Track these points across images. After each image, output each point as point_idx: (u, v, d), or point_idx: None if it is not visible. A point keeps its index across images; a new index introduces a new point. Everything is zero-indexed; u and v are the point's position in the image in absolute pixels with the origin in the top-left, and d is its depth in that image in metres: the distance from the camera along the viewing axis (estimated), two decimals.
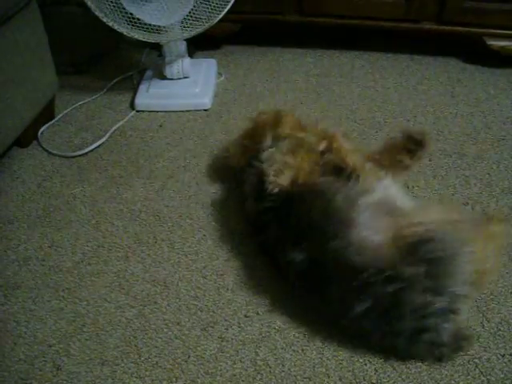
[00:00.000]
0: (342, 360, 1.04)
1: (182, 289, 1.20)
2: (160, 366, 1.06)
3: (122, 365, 1.06)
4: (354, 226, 1.03)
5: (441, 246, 0.97)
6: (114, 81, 1.93)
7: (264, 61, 2.03)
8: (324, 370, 1.03)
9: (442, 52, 2.00)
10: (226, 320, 1.13)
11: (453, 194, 1.39)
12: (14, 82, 1.46)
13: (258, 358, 1.06)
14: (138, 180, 1.51)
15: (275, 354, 1.06)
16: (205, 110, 1.78)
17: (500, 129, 1.62)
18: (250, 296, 1.18)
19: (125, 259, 1.28)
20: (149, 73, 1.89)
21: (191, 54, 1.87)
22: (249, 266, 1.24)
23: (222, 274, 1.23)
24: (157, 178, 1.51)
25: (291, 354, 1.06)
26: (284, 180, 1.16)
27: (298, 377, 1.02)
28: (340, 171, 1.16)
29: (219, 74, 1.95)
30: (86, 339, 1.11)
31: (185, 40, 1.74)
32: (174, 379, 1.03)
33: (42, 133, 1.69)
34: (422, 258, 0.97)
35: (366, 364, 1.04)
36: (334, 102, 1.78)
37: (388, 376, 1.01)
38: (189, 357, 1.07)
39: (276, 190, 1.16)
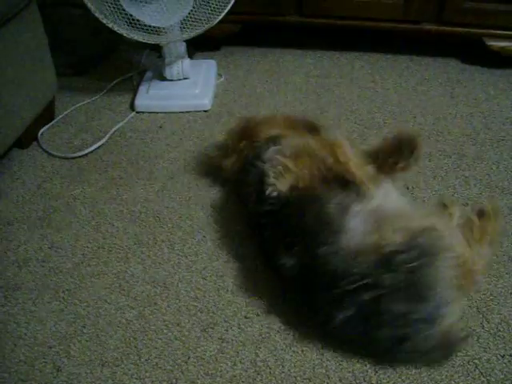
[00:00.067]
0: (342, 361, 1.04)
1: (181, 290, 1.21)
2: (160, 367, 1.06)
3: (122, 366, 1.06)
4: (342, 233, 1.03)
5: (416, 254, 0.97)
6: (114, 82, 1.93)
7: (264, 62, 2.03)
8: (324, 371, 1.03)
9: (441, 53, 2.00)
10: (225, 321, 1.13)
11: (453, 195, 1.39)
12: (14, 84, 1.46)
13: (258, 359, 1.06)
14: (138, 181, 1.51)
15: (275, 355, 1.06)
16: (205, 111, 1.78)
17: (500, 129, 1.62)
18: (249, 297, 1.18)
19: (125, 260, 1.28)
20: (149, 74, 1.89)
21: (191, 55, 1.88)
22: (249, 268, 1.24)
23: (221, 276, 1.23)
24: (157, 179, 1.51)
25: (291, 355, 1.06)
26: (283, 185, 1.16)
27: (298, 378, 1.02)
28: (345, 183, 1.14)
29: (219, 75, 1.95)
30: (86, 340, 1.11)
31: (184, 41, 1.74)
32: (174, 380, 1.03)
33: (41, 134, 1.69)
34: (400, 266, 0.96)
35: (366, 365, 1.04)
36: (334, 102, 1.78)
37: (388, 377, 1.01)
38: (189, 358, 1.07)
39: (275, 193, 1.16)
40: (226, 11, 1.64)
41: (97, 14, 1.54)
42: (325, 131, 1.38)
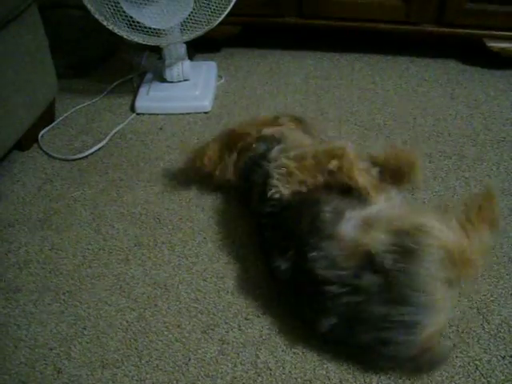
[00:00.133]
0: (342, 362, 1.04)
1: (182, 291, 1.21)
2: (161, 369, 1.06)
3: (123, 368, 1.06)
4: (333, 239, 1.03)
5: (399, 254, 0.97)
6: (114, 84, 1.93)
7: (264, 63, 2.04)
8: (324, 373, 1.03)
9: (441, 54, 2.00)
10: (226, 322, 1.13)
11: (452, 196, 1.39)
12: (14, 85, 1.46)
13: (258, 360, 1.06)
14: (139, 183, 1.51)
15: (276, 357, 1.06)
16: (205, 113, 1.78)
17: (500, 130, 1.62)
18: (250, 298, 1.18)
19: (125, 262, 1.28)
20: (149, 76, 1.89)
21: (191, 57, 1.88)
22: (249, 269, 1.24)
23: (222, 277, 1.23)
24: (157, 181, 1.51)
25: (292, 357, 1.06)
26: (286, 188, 1.16)
27: (299, 379, 1.02)
28: (348, 189, 1.15)
29: (219, 76, 1.95)
30: (87, 342, 1.11)
31: (185, 43, 1.74)
32: (175, 382, 1.03)
33: (42, 136, 1.69)
34: (381, 267, 0.96)
35: (366, 366, 1.03)
36: (334, 104, 1.78)
37: (388, 378, 1.01)
38: (189, 359, 1.07)
39: (277, 195, 1.16)
40: (225, 13, 1.64)
41: (97, 16, 1.54)
42: (309, 127, 1.39)
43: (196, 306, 1.17)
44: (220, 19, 1.65)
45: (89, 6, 1.52)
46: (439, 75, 1.91)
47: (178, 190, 1.47)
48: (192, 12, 1.60)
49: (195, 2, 1.58)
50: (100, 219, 1.40)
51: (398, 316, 0.94)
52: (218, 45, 2.10)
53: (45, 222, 1.40)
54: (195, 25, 1.64)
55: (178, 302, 1.18)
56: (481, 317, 1.11)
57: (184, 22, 1.62)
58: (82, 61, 2.03)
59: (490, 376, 1.01)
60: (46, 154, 1.63)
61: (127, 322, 1.15)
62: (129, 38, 1.61)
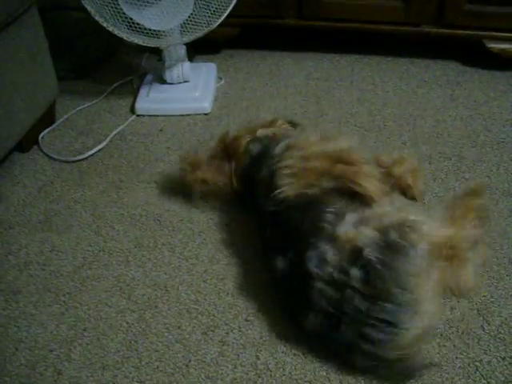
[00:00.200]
0: (343, 363, 1.04)
1: (182, 293, 1.21)
2: (161, 371, 1.06)
3: (123, 369, 1.06)
4: (331, 239, 1.02)
5: (384, 249, 0.97)
6: (114, 85, 1.93)
7: (264, 65, 2.04)
8: (325, 374, 1.03)
9: (441, 55, 2.01)
10: (226, 324, 1.13)
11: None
12: (15, 87, 1.46)
13: (258, 361, 1.06)
14: (139, 184, 1.51)
15: (276, 358, 1.06)
16: (205, 114, 1.78)
17: (500, 131, 1.63)
18: (250, 300, 1.18)
19: (125, 263, 1.28)
20: (149, 77, 1.89)
21: (191, 59, 1.88)
22: (249, 270, 1.24)
23: (222, 278, 1.23)
24: (157, 183, 1.51)
25: (292, 358, 1.06)
26: (292, 190, 1.15)
27: (299, 380, 1.02)
28: (353, 194, 1.14)
29: (219, 78, 1.95)
30: (87, 344, 1.11)
31: (184, 44, 1.75)
32: (175, 383, 1.03)
33: (42, 137, 1.70)
34: (366, 261, 0.96)
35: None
36: (334, 105, 1.79)
37: (388, 379, 1.01)
38: (190, 361, 1.07)
39: (282, 196, 1.16)
40: (225, 14, 1.65)
41: (97, 18, 1.55)
42: (302, 130, 1.39)
43: (196, 307, 1.17)
44: (220, 21, 1.65)
45: (89, 8, 1.53)
46: (439, 76, 1.91)
47: (178, 192, 1.47)
48: (192, 13, 1.60)
49: (195, 3, 1.59)
50: (100, 221, 1.40)
51: (380, 312, 0.94)
52: (218, 46, 2.10)
53: (45, 224, 1.40)
54: (195, 26, 1.64)
55: (178, 304, 1.18)
56: (481, 318, 1.11)
57: (184, 23, 1.62)
58: (82, 62, 2.04)
59: (491, 377, 1.01)
60: (47, 155, 1.63)
61: (127, 323, 1.15)
62: (129, 40, 1.61)
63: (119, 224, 1.39)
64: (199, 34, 1.66)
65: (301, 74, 1.97)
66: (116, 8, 1.53)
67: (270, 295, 1.17)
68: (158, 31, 1.61)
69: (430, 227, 1.02)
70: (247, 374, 1.04)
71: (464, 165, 1.50)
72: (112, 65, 2.08)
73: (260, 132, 1.39)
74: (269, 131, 1.39)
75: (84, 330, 1.14)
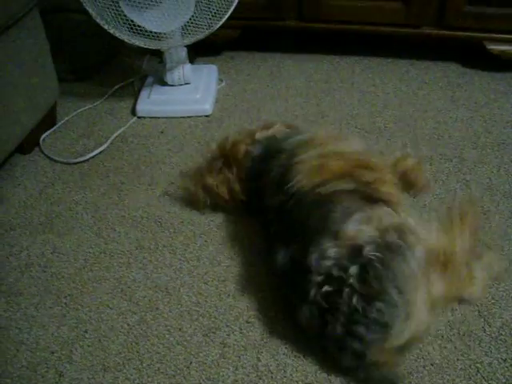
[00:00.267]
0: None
1: (183, 295, 1.21)
2: (162, 372, 1.06)
3: (124, 371, 1.06)
4: (334, 236, 1.02)
5: (381, 249, 0.97)
6: (116, 87, 1.94)
7: (264, 66, 2.04)
8: (326, 375, 1.03)
9: (442, 57, 2.01)
10: (227, 326, 1.13)
11: (453, 199, 1.39)
12: (16, 89, 1.46)
13: (259, 363, 1.06)
14: (140, 186, 1.51)
15: (277, 360, 1.06)
16: (206, 116, 1.78)
17: (500, 133, 1.63)
18: (251, 302, 1.18)
19: (126, 265, 1.28)
20: (150, 79, 1.89)
21: (192, 60, 1.88)
22: (250, 272, 1.24)
23: (223, 280, 1.23)
24: (158, 184, 1.51)
25: (293, 360, 1.06)
26: (305, 184, 1.15)
27: (300, 382, 1.02)
28: (370, 199, 1.14)
29: (220, 79, 1.95)
30: (88, 345, 1.11)
31: (185, 46, 1.75)
32: None
33: (43, 139, 1.70)
34: (363, 261, 0.96)
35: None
36: (335, 107, 1.79)
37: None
38: (191, 363, 1.07)
39: (295, 187, 1.15)
40: (226, 16, 1.65)
41: (98, 20, 1.55)
42: (299, 132, 1.40)
43: (197, 309, 1.17)
44: (221, 23, 1.65)
45: (90, 10, 1.53)
46: (439, 78, 1.91)
47: (179, 193, 1.47)
48: (193, 16, 1.60)
49: (196, 5, 1.59)
50: (101, 222, 1.40)
51: (373, 312, 0.94)
52: (219, 48, 2.11)
53: (46, 226, 1.40)
54: (196, 28, 1.65)
55: (179, 306, 1.18)
56: (482, 319, 1.11)
57: (185, 25, 1.63)
58: (83, 64, 2.04)
59: (491, 379, 1.01)
60: (48, 157, 1.63)
61: (128, 325, 1.15)
62: (130, 42, 1.61)
63: (120, 226, 1.39)
64: (200, 36, 1.67)
65: (301, 75, 1.97)
66: (117, 10, 1.53)
67: (271, 297, 1.17)
68: (159, 33, 1.61)
69: (428, 233, 1.03)
70: (248, 375, 1.04)
71: (465, 166, 1.50)
72: (113, 67, 2.09)
73: (259, 135, 1.40)
74: (268, 133, 1.40)
75: (85, 331, 1.14)
